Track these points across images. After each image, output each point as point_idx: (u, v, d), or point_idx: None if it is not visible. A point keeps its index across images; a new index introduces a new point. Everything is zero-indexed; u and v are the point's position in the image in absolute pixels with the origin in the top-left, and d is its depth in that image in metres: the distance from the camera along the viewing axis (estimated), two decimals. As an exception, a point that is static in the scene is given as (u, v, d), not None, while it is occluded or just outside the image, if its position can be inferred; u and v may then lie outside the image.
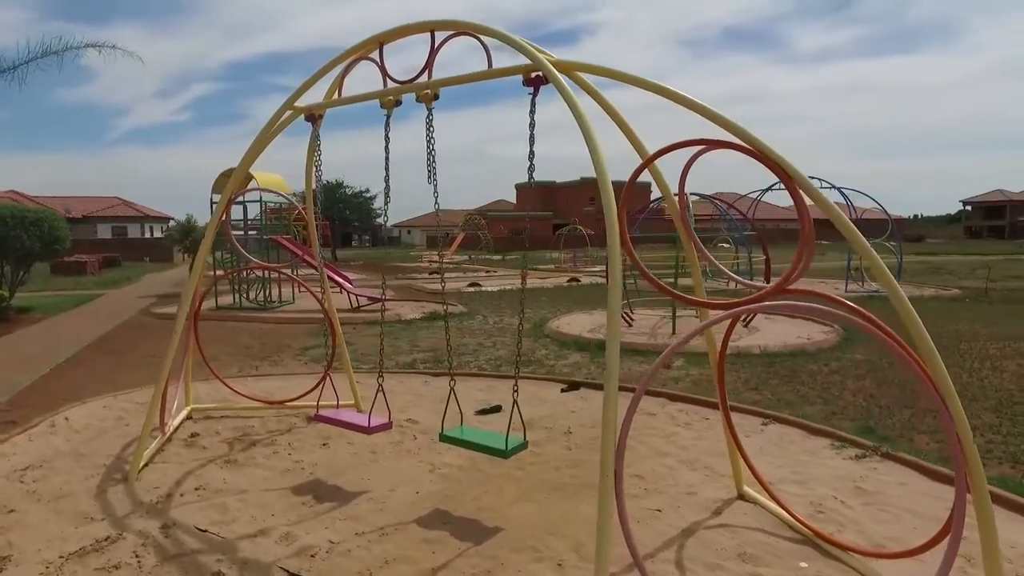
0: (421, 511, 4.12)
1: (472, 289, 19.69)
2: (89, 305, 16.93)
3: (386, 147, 4.33)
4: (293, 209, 15.74)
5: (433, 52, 4.03)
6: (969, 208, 74.54)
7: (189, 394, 6.26)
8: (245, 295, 15.15)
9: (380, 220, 34.92)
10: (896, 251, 17.68)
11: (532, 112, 3.65)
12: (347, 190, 48.18)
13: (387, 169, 4.37)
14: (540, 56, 3.44)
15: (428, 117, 4.07)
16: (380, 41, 4.26)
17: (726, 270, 4.01)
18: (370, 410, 4.64)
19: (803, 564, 3.45)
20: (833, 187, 18.88)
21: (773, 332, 10.69)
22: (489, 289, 19.82)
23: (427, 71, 4.05)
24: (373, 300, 14.68)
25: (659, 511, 4.11)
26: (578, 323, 12.19)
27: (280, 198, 14.87)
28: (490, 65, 3.82)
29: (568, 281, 22.09)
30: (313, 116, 4.69)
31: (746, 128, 3.06)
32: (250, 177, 12.50)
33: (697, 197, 11.56)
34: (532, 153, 3.72)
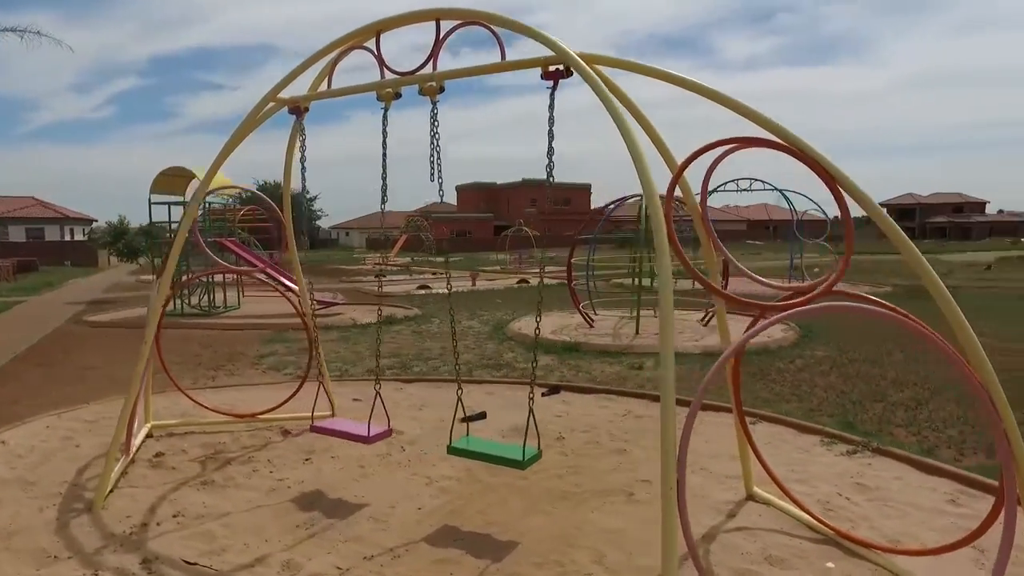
0: (428, 528, 3.89)
1: (423, 292, 19.33)
2: (6, 314, 15.62)
3: (383, 142, 4.07)
4: (238, 210, 15.01)
5: (438, 42, 3.81)
6: (884, 211, 78.97)
7: (149, 409, 5.77)
8: (187, 300, 14.33)
9: (319, 222, 33.89)
10: (833, 251, 18.43)
11: (551, 108, 3.48)
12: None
13: (384, 167, 4.11)
14: (565, 47, 3.28)
15: (433, 111, 3.85)
16: (377, 29, 4.01)
17: (749, 271, 3.92)
18: (369, 418, 4.37)
19: (829, 564, 3.43)
20: (775, 189, 19.56)
21: (735, 331, 10.87)
22: (441, 291, 19.51)
23: (432, 62, 3.83)
24: (326, 304, 14.16)
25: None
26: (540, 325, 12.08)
27: (224, 198, 14.17)
28: (503, 57, 3.64)
29: (518, 283, 22.02)
30: (298, 109, 4.37)
31: (783, 125, 3.00)
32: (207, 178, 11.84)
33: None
34: (551, 150, 3.55)
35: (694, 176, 3.69)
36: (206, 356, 9.71)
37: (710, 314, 11.71)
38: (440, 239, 37.88)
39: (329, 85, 4.29)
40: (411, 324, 12.84)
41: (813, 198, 19.15)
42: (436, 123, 3.86)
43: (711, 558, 3.52)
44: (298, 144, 4.64)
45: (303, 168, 4.52)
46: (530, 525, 3.92)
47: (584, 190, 67.39)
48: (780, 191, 20.07)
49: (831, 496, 4.27)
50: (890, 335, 10.28)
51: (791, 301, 3.09)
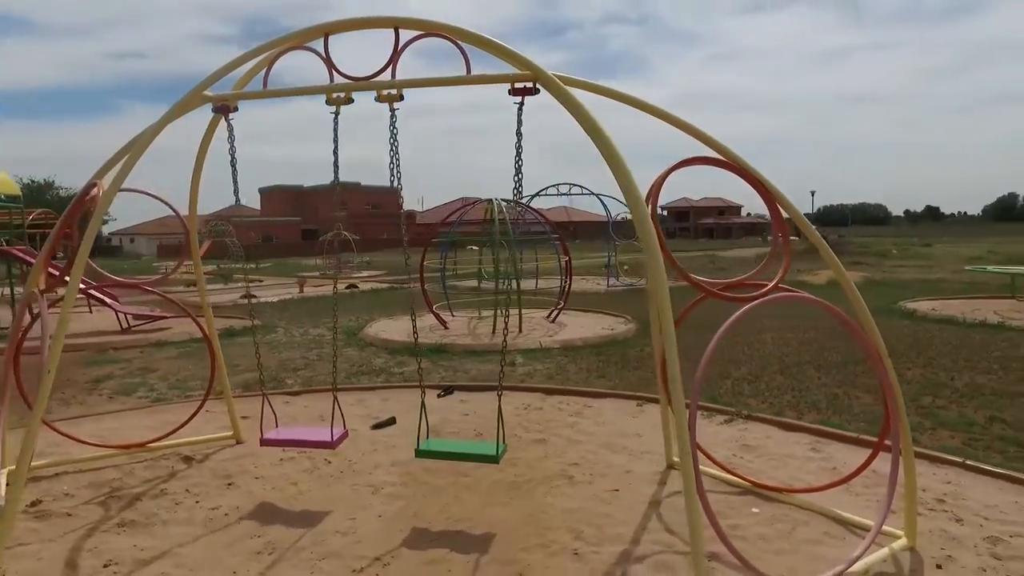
0: (399, 534, 3.90)
1: (248, 301, 18.01)
2: None
3: (335, 150, 3.99)
4: (27, 213, 12.80)
5: (397, 51, 3.84)
6: (665, 213, 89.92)
7: (5, 452, 4.89)
8: (-43, 322, 11.91)
9: (104, 227, 29.97)
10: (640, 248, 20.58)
11: (519, 125, 3.71)
12: (60, 191, 39.78)
13: (336, 171, 4.02)
14: (538, 65, 3.54)
15: (392, 119, 3.87)
16: (326, 31, 3.90)
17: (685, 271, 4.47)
18: (331, 421, 4.24)
19: (755, 509, 4.12)
20: (592, 193, 21.35)
21: (579, 327, 11.82)
22: (269, 299, 18.35)
23: (391, 68, 3.85)
24: (147, 319, 12.67)
25: (617, 490, 4.48)
26: (393, 329, 12.05)
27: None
28: (468, 71, 3.79)
29: (347, 288, 21.44)
30: (226, 107, 4.08)
31: (727, 147, 3.57)
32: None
33: (505, 203, 12.25)
34: (519, 164, 3.78)
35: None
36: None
37: (557, 311, 12.58)
38: (248, 244, 35.28)
39: (265, 84, 4.07)
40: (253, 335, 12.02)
41: (624, 202, 21.22)
42: (395, 131, 3.89)
43: (667, 517, 4.03)
44: (209, 147, 4.32)
45: (234, 171, 4.21)
46: (496, 516, 4.11)
47: (394, 194, 66.33)
48: (596, 195, 21.97)
49: (728, 457, 5.04)
50: (710, 322, 11.93)
51: (758, 293, 3.66)
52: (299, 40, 3.98)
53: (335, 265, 28.86)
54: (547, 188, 22.12)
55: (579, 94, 3.53)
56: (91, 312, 15.27)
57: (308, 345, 10.83)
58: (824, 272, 20.87)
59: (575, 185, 21.76)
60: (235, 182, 4.20)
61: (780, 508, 4.15)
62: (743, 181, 3.75)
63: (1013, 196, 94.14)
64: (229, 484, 4.65)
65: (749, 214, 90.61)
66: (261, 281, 24.67)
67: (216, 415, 6.38)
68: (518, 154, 3.77)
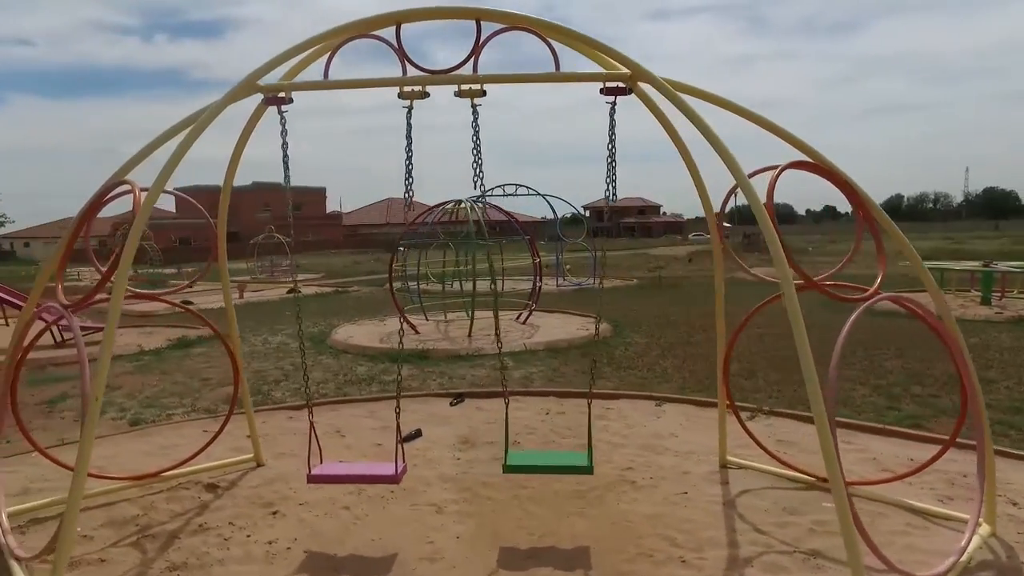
0: (489, 554, 3.69)
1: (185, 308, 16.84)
2: None
3: (409, 146, 3.71)
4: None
5: (478, 45, 3.62)
6: (587, 213, 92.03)
7: None
8: None
9: None
10: (590, 248, 20.81)
11: (613, 126, 3.59)
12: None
13: (409, 170, 3.73)
14: (642, 67, 3.43)
15: (474, 115, 3.65)
16: (398, 20, 3.62)
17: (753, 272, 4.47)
18: (396, 453, 3.93)
19: (827, 504, 4.17)
20: (538, 194, 21.41)
21: (554, 327, 11.76)
22: (208, 306, 17.24)
23: (473, 62, 3.62)
24: (90, 329, 11.55)
25: (685, 493, 4.43)
26: (362, 334, 11.58)
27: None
28: (557, 67, 3.62)
29: (288, 292, 20.47)
30: (280, 99, 3.71)
31: (831, 161, 3.59)
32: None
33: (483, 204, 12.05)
34: (613, 166, 3.63)
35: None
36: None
37: (528, 312, 12.49)
38: (166, 248, 33.21)
39: (326, 75, 3.73)
40: (211, 345, 11.22)
41: (572, 202, 21.42)
42: (477, 129, 3.67)
43: (749, 517, 4.01)
44: (248, 142, 3.94)
45: (286, 170, 3.84)
46: (579, 528, 3.97)
47: (318, 194, 64.89)
48: (543, 195, 22.05)
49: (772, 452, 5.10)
50: (677, 321, 12.21)
51: (867, 295, 3.67)
52: (365, 28, 3.68)
53: (268, 269, 27.59)
54: (493, 189, 22.05)
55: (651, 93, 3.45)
56: (7, 324, 13.84)
57: (275, 355, 10.20)
58: (757, 269, 21.87)
59: (521, 186, 21.77)
60: (287, 181, 3.83)
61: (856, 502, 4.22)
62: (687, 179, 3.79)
63: (899, 197, 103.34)
64: (274, 513, 4.25)
65: (665, 213, 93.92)
66: (190, 287, 23.13)
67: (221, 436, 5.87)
68: (611, 156, 3.65)
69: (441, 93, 3.67)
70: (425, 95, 3.66)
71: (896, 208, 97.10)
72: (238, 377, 4.98)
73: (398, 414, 4.15)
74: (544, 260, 17.58)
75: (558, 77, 3.61)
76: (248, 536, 3.93)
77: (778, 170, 3.59)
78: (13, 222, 58.21)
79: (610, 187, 3.68)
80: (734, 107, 3.62)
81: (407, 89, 3.63)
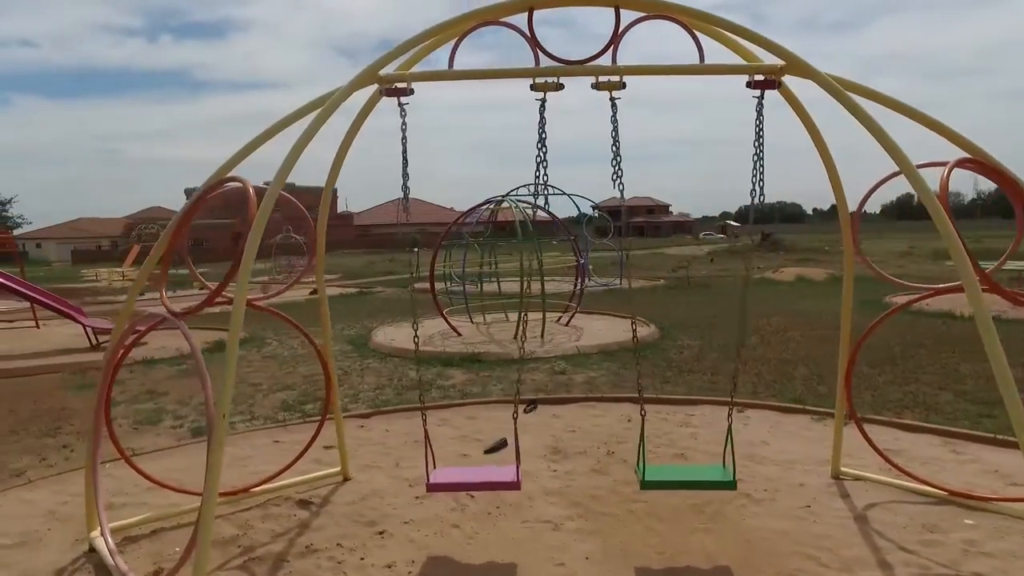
0: (627, 575, 3.46)
1: (211, 309, 16.63)
2: None
3: (542, 141, 3.48)
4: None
5: (617, 34, 3.39)
6: (597, 213, 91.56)
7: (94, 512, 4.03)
8: None
9: (18, 231, 27.45)
10: (617, 248, 20.58)
11: (760, 122, 3.36)
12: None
13: (542, 166, 3.51)
14: (799, 58, 3.20)
15: (612, 110, 3.42)
16: (530, 5, 3.40)
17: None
18: (516, 459, 3.72)
19: (968, 521, 3.93)
20: (565, 193, 21.19)
21: (598, 329, 11.52)
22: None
23: (611, 52, 3.40)
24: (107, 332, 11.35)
25: (808, 507, 4.20)
26: (403, 337, 11.35)
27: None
28: (702, 58, 3.39)
29: (311, 294, 20.24)
30: (400, 90, 3.49)
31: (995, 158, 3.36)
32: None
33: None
34: (760, 163, 3.41)
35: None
36: (9, 420, 7.08)
37: (571, 314, 12.26)
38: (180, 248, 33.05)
39: (451, 64, 3.51)
40: (248, 348, 11.02)
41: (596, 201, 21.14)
42: (616, 123, 3.44)
43: (888, 534, 3.78)
44: (357, 135, 3.71)
45: (405, 165, 3.60)
46: (711, 545, 3.74)
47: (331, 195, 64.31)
48: (569, 195, 21.81)
49: (879, 463, 4.86)
50: (722, 322, 11.96)
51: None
52: (494, 14, 3.46)
53: (286, 269, 27.39)
54: (518, 188, 21.80)
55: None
56: (38, 327, 13.67)
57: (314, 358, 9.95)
58: (789, 269, 21.65)
59: (549, 185, 21.51)
60: (405, 178, 3.61)
61: (990, 518, 3.98)
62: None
63: (909, 196, 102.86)
64: (380, 533, 4.01)
65: (671, 212, 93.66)
66: (290, 287, 22.98)
67: (287, 445, 5.66)
68: (757, 153, 3.41)
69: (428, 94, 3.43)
70: (559, 87, 3.43)
71: (906, 207, 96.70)
72: (330, 384, 4.73)
73: (515, 418, 3.92)
74: (561, 262, 17.38)
75: (703, 69, 3.38)
76: (362, 559, 3.70)
77: (949, 167, 3.36)
78: (30, 223, 58.14)
79: (757, 187, 3.44)
80: (899, 105, 3.38)
81: (540, 80, 3.40)
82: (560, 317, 12.47)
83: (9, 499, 4.70)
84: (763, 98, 3.35)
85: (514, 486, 3.62)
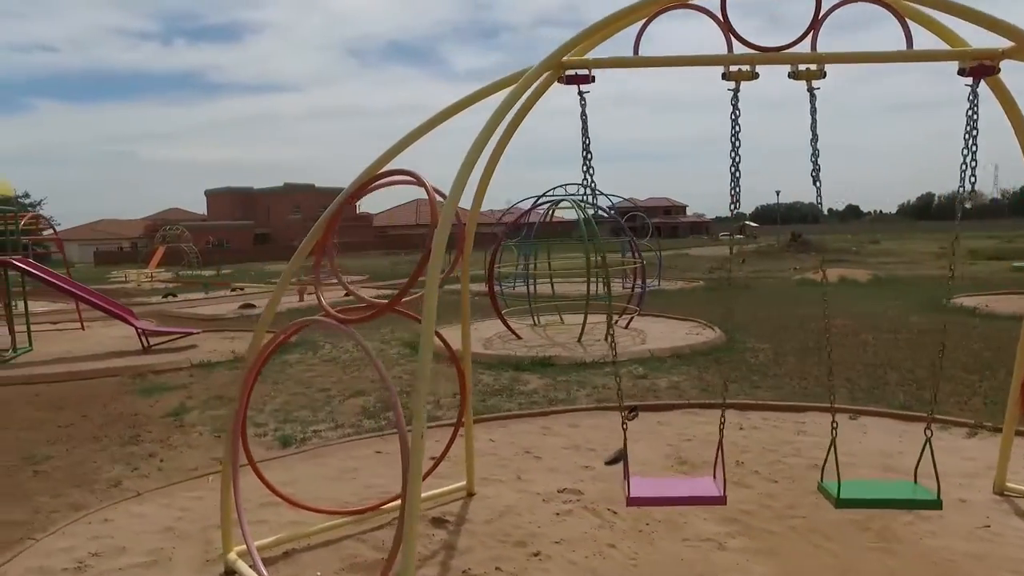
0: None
1: (249, 312, 16.51)
2: None
3: (736, 134, 3.23)
4: (21, 217, 11.05)
5: (817, 19, 3.13)
6: (613, 212, 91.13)
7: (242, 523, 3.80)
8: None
9: (47, 233, 27.45)
10: (656, 248, 20.29)
11: (975, 112, 3.08)
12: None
13: (736, 160, 3.25)
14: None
15: (811, 100, 3.16)
16: (724, -14, 3.15)
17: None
18: (715, 467, 3.46)
19: None
20: (602, 193, 20.93)
21: (661, 332, 11.23)
22: (279, 309, 16.87)
23: (811, 38, 3.13)
24: (175, 334, 11.20)
25: (987, 526, 3.93)
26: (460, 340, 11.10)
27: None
28: (909, 44, 3.12)
29: (346, 295, 20.07)
30: (582, 77, 3.23)
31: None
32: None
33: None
34: (970, 162, 3.13)
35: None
36: (87, 427, 6.88)
37: (631, 316, 11.99)
38: (203, 250, 33.04)
39: (636, 50, 3.26)
40: (302, 351, 10.82)
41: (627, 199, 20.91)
42: (815, 115, 3.18)
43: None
44: (519, 127, 3.46)
45: (588, 154, 3.33)
46: (897, 569, 3.47)
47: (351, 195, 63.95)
48: (606, 195, 21.55)
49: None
50: (785, 324, 11.68)
51: None
52: (684, -4, 3.20)
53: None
54: (554, 188, 21.54)
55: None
56: (83, 328, 13.53)
57: (384, 362, 9.69)
58: (831, 270, 21.25)
59: (581, 185, 21.31)
60: (587, 172, 3.35)
61: None
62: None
63: (930, 195, 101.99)
64: (536, 554, 3.74)
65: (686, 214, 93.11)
66: (243, 290, 22.90)
67: (390, 456, 5.42)
68: (969, 144, 3.14)
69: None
70: (754, 76, 3.17)
71: (927, 207, 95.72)
72: (466, 392, 4.45)
73: (625, 427, 3.64)
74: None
75: (912, 56, 3.11)
76: (529, 583, 3.45)
77: None
78: (59, 224, 58.19)
79: (967, 180, 3.16)
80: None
81: (733, 68, 3.15)
82: (616, 319, 12.20)
83: (120, 513, 4.48)
84: (977, 88, 3.07)
85: (720, 501, 3.35)
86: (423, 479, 4.39)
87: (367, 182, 3.50)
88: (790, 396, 7.04)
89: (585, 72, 3.20)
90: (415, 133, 3.39)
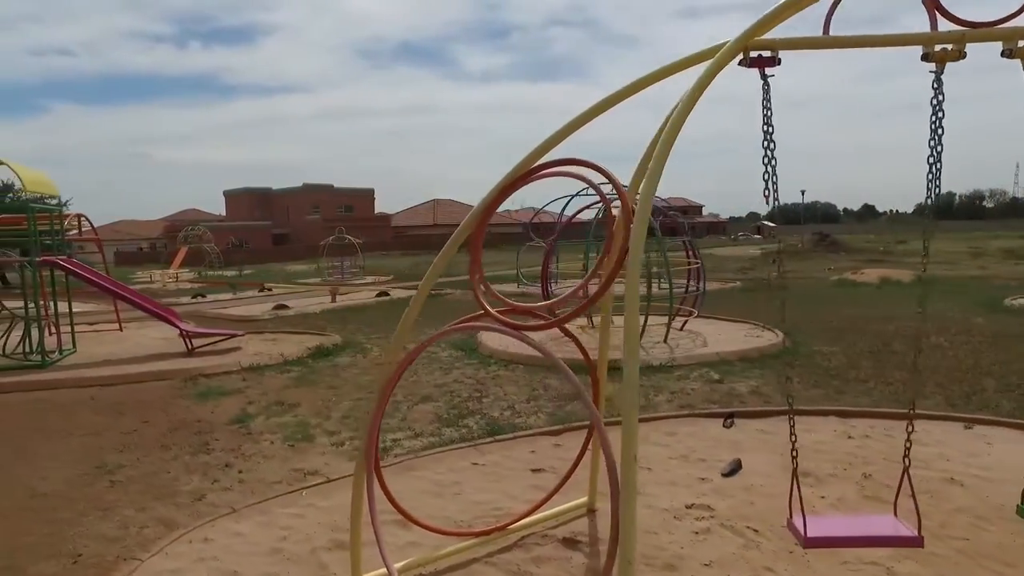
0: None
1: (283, 312, 16.28)
2: None
3: (937, 122, 2.90)
4: (65, 217, 10.84)
5: (1036, -15, 2.80)
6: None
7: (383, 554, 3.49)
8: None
9: (72, 233, 27.09)
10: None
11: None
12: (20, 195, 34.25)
13: (938, 152, 2.93)
14: None
15: (1030, 79, 2.83)
16: (933, -46, 2.82)
17: None
18: (896, 499, 3.12)
19: None
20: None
21: (719, 335, 10.87)
22: (311, 309, 16.67)
23: (1029, 10, 2.80)
24: (219, 336, 10.94)
25: None
26: (510, 340, 10.80)
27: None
28: None
29: (378, 296, 19.82)
30: (767, 60, 2.91)
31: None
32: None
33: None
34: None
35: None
36: (151, 433, 6.62)
37: (686, 318, 11.65)
38: (224, 250, 32.90)
39: (827, 28, 2.94)
40: (351, 353, 10.55)
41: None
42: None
43: None
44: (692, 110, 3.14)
45: (770, 143, 3.01)
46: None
47: (367, 196, 64.68)
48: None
49: None
50: (845, 326, 11.31)
51: None
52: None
53: (338, 271, 27.04)
54: (586, 188, 21.20)
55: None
56: (121, 330, 13.33)
57: (430, 366, 9.42)
58: (871, 270, 20.85)
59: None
60: (769, 162, 3.04)
61: None
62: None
63: (950, 195, 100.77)
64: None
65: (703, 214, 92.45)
66: (271, 290, 22.70)
67: (489, 468, 5.13)
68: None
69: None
70: (960, 55, 2.84)
71: (948, 206, 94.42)
72: (599, 401, 4.11)
73: (908, 448, 3.32)
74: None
75: None
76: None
77: None
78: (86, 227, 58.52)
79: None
80: None
81: (938, 48, 2.82)
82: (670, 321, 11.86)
83: (219, 532, 4.20)
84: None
85: (916, 542, 3.00)
86: (549, 498, 4.12)
87: (527, 173, 3.19)
88: (881, 402, 6.70)
89: (771, 54, 2.88)
90: (586, 115, 3.08)
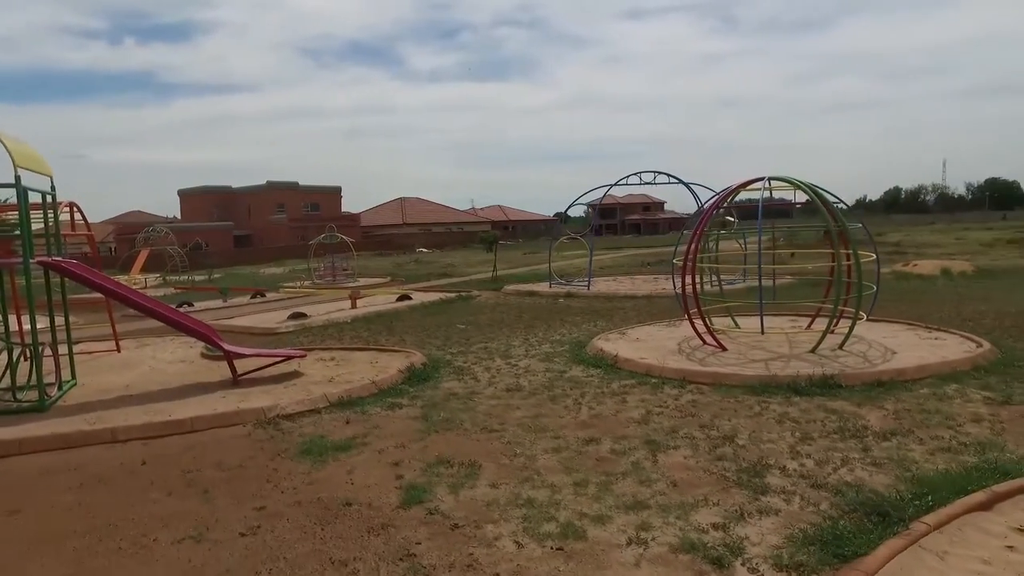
0: None
1: (304, 322, 13.65)
2: None
3: None
4: (60, 207, 8.06)
5: None
6: (591, 210, 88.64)
7: None
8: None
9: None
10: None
11: None
12: None
13: None
14: None
15: None
16: None
17: None
18: None
19: None
20: (680, 181, 19.03)
21: (890, 341, 9.00)
22: (336, 317, 14.09)
23: None
24: (276, 358, 8.41)
25: None
26: (647, 350, 8.73)
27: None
28: None
29: (398, 300, 17.30)
30: None
31: None
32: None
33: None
34: None
35: None
36: (283, 531, 4.14)
37: (852, 324, 9.75)
38: (185, 252, 29.53)
39: None
40: (451, 377, 8.19)
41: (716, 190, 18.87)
42: None
43: None
44: None
45: None
46: None
47: (334, 194, 60.98)
48: (685, 183, 19.53)
49: None
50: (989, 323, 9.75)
51: None
52: None
53: (329, 272, 24.25)
54: (628, 176, 19.35)
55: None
56: (119, 351, 10.54)
57: (574, 391, 7.20)
58: (924, 262, 19.69)
59: (660, 173, 19.28)
60: None
61: None
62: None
63: (897, 189, 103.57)
64: None
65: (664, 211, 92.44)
66: (264, 295, 19.81)
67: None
68: None
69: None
70: None
71: (895, 200, 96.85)
72: None
73: None
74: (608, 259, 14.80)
75: None
76: None
77: None
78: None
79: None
80: None
81: None
82: (810, 323, 10.06)
83: None
84: None
85: None
86: None
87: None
88: None
89: None
90: None
